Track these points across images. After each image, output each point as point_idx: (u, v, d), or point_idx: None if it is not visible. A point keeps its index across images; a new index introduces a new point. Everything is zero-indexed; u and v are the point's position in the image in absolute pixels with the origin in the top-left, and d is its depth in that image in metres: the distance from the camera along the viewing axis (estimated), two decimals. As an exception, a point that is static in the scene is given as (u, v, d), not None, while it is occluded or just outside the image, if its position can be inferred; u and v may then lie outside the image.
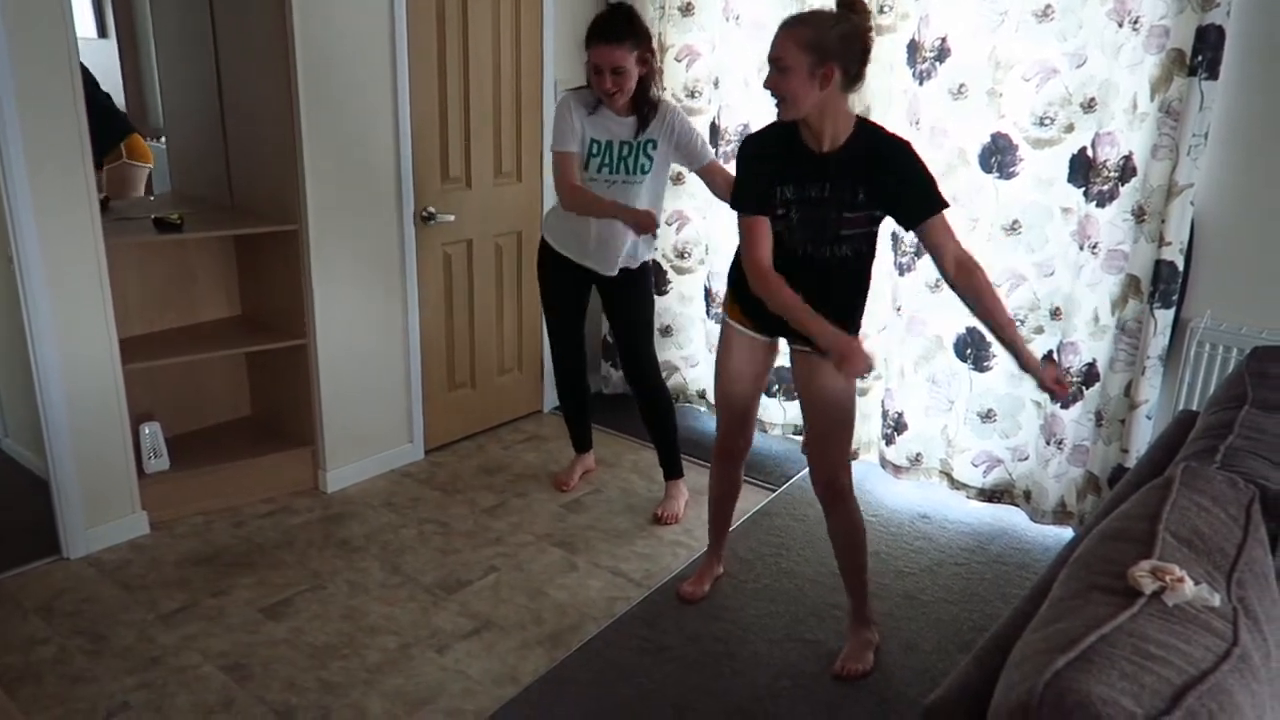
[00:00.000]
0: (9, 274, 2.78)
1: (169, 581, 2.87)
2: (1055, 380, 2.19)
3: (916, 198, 2.21)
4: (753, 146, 2.34)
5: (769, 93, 2.19)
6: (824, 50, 2.09)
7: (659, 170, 3.04)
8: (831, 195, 2.22)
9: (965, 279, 2.21)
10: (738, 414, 2.66)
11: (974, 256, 2.24)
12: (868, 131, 2.23)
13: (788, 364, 2.60)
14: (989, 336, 3.27)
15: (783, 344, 2.57)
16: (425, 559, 3.05)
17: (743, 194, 2.32)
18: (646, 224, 2.95)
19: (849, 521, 2.52)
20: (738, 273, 2.44)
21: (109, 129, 3.78)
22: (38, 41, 2.61)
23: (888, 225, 3.40)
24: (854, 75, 2.15)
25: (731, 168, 3.59)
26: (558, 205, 3.15)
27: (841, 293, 2.36)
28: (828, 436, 2.46)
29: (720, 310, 2.67)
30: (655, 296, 3.44)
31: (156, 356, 3.12)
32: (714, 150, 3.15)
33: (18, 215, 2.66)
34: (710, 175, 3.06)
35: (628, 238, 3.05)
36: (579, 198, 2.98)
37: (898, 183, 2.20)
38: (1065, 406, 3.13)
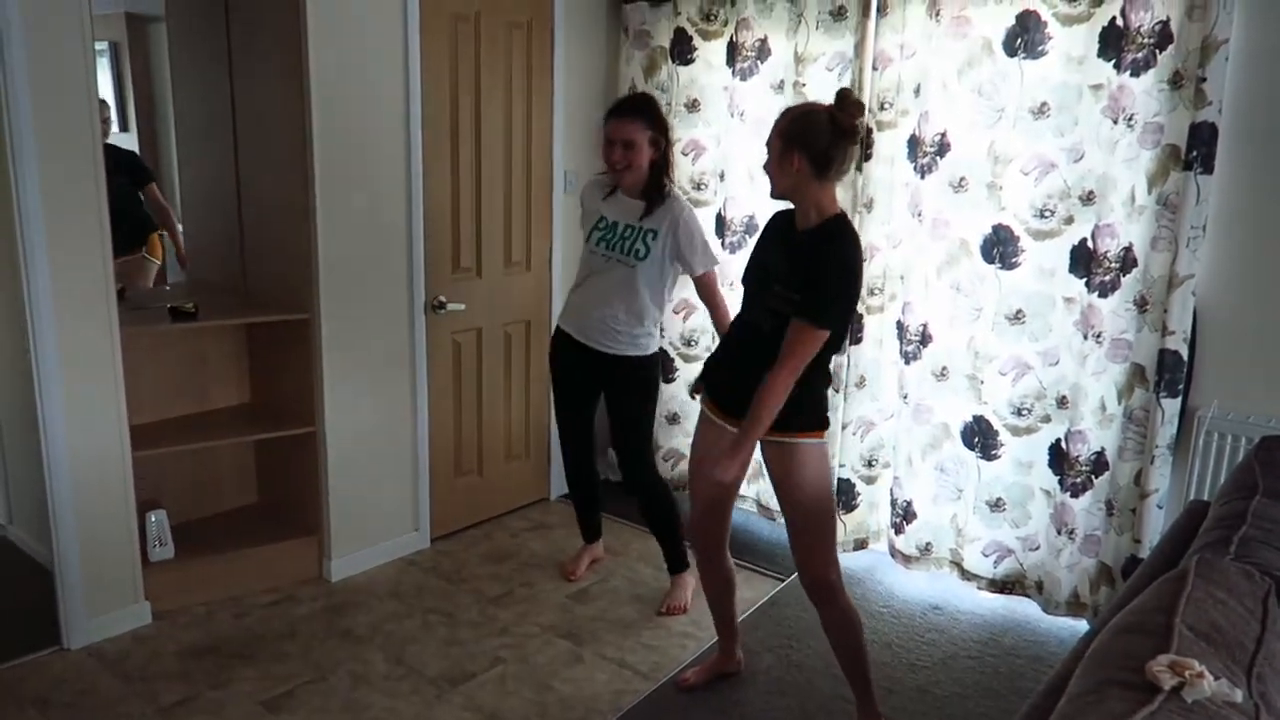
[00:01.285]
0: (25, 364, 2.81)
1: (170, 673, 2.82)
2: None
3: (800, 291, 2.27)
4: (770, 220, 2.54)
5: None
6: (790, 138, 2.28)
7: (658, 262, 3.05)
8: (778, 267, 2.36)
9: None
10: (708, 499, 2.64)
11: (771, 377, 2.28)
12: (829, 226, 2.32)
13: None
14: (996, 425, 3.29)
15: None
16: (430, 650, 3.00)
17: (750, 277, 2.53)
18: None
19: (842, 616, 2.49)
20: (711, 358, 2.62)
21: (139, 228, 3.89)
22: (65, 139, 2.69)
23: (893, 313, 3.44)
24: (823, 165, 2.26)
25: (733, 260, 3.67)
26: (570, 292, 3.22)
27: (757, 362, 2.34)
28: (808, 531, 2.45)
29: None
30: (661, 386, 3.42)
31: (166, 444, 3.14)
32: (714, 253, 3.15)
33: (38, 306, 2.71)
34: (702, 287, 3.11)
35: (616, 310, 3.06)
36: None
37: (801, 270, 2.29)
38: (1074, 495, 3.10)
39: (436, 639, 3.07)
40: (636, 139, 2.96)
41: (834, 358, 2.60)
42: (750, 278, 2.49)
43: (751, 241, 3.80)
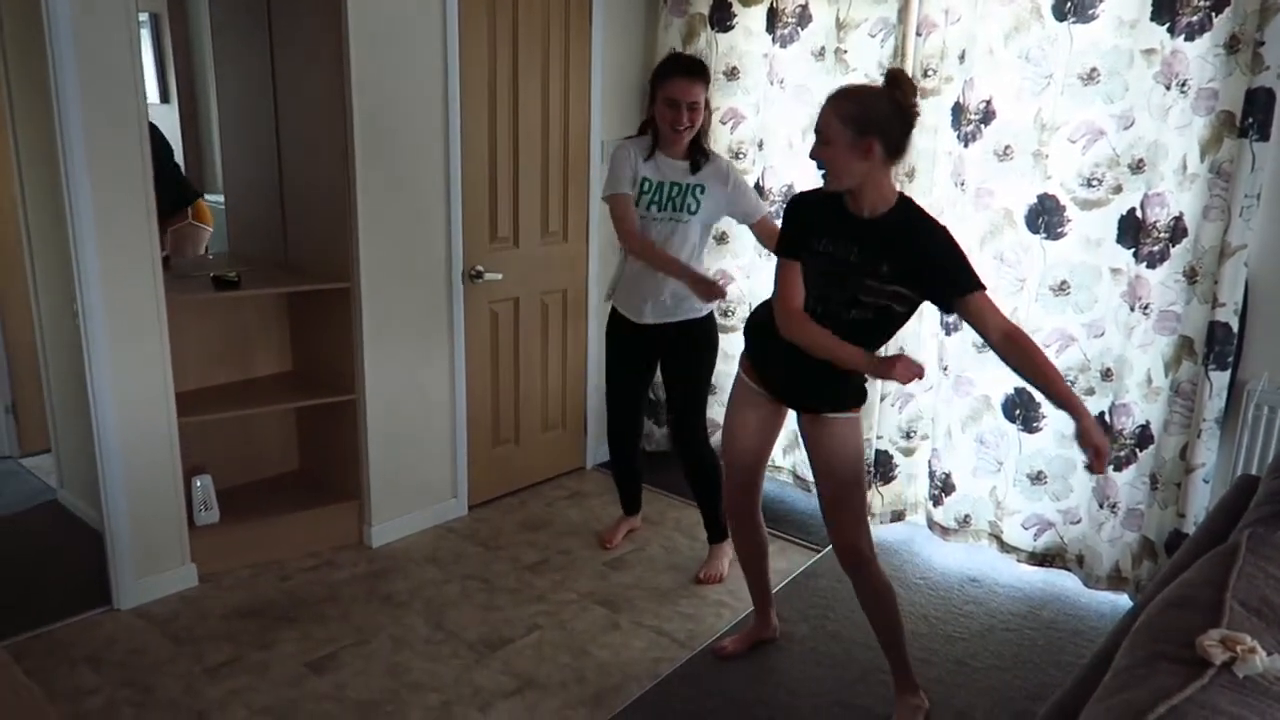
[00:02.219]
0: (74, 328, 2.87)
1: (216, 634, 2.89)
2: (1096, 454, 2.10)
3: (947, 280, 2.21)
4: (801, 200, 2.40)
5: (814, 163, 2.24)
6: (865, 125, 2.13)
7: (706, 217, 3.09)
8: (858, 261, 2.24)
9: (1013, 351, 2.17)
10: (742, 469, 2.66)
11: (1020, 328, 2.21)
12: (906, 208, 2.25)
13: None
14: (1039, 397, 3.24)
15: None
16: (468, 615, 3.04)
17: (783, 239, 2.39)
18: (709, 293, 3.01)
19: (875, 587, 2.49)
20: (752, 328, 2.55)
21: (179, 194, 3.92)
22: (110, 107, 2.72)
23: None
24: (895, 149, 2.18)
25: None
26: (621, 267, 3.20)
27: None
28: (841, 501, 2.45)
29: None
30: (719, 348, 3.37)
31: (210, 411, 3.19)
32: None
33: (85, 272, 2.75)
34: (762, 229, 3.16)
35: (666, 285, 3.08)
36: (645, 247, 3.05)
37: (926, 265, 2.20)
38: (1096, 472, 3.06)
39: (475, 605, 3.11)
40: (700, 100, 2.97)
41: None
42: (821, 275, 2.30)
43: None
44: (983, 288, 2.19)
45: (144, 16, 4.31)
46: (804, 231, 2.33)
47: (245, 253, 3.80)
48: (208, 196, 4.24)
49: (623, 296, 3.23)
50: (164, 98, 4.57)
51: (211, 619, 2.97)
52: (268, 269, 3.53)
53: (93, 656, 2.75)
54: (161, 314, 2.95)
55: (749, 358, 2.57)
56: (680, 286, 3.07)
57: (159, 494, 3.04)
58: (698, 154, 3.06)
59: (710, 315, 3.21)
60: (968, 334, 3.37)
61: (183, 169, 4.17)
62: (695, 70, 2.98)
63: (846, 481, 2.44)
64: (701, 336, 3.20)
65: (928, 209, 2.30)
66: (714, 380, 4.15)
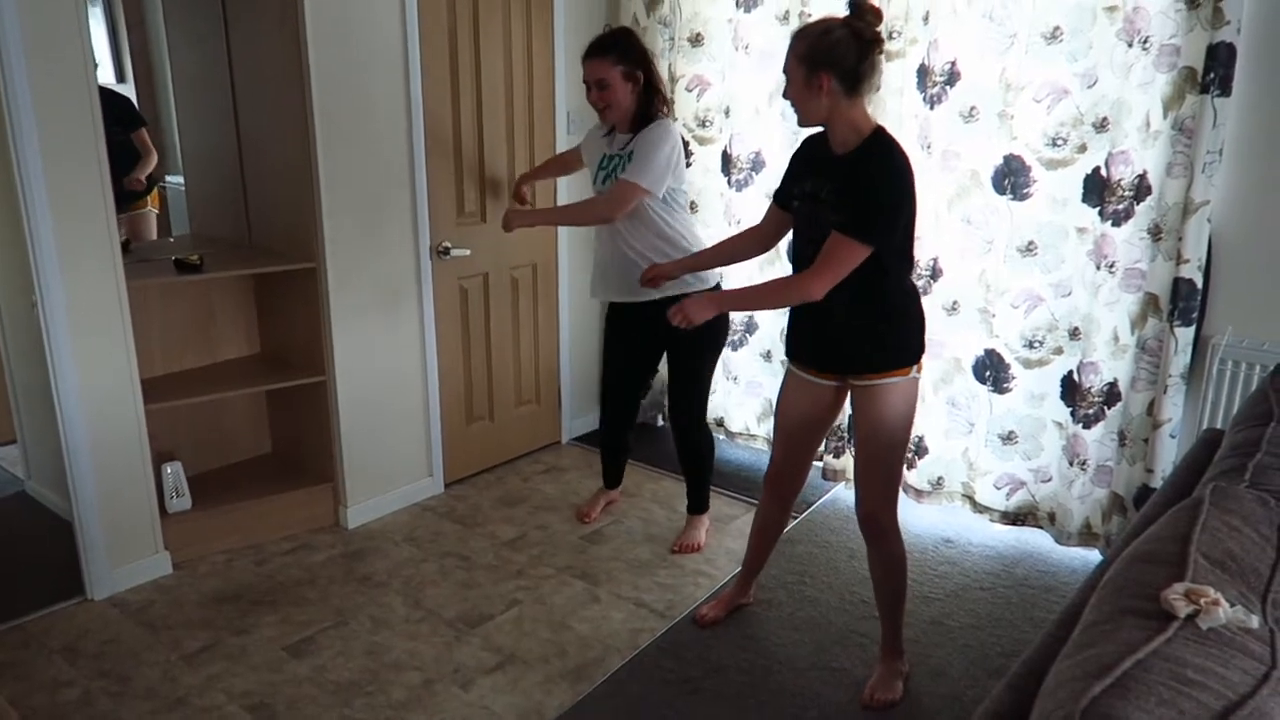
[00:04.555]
0: (32, 318, 2.82)
1: (192, 621, 2.87)
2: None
3: (845, 211, 2.18)
4: (803, 144, 2.45)
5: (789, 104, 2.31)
6: (815, 60, 2.15)
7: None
8: (826, 195, 2.26)
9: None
10: (787, 448, 2.62)
11: (804, 274, 2.25)
12: (874, 142, 2.22)
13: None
14: (1007, 359, 3.27)
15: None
16: (447, 593, 3.04)
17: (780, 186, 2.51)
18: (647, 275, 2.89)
19: (890, 556, 2.49)
20: (791, 316, 2.51)
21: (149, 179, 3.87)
22: (60, 88, 2.65)
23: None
24: (854, 81, 2.16)
25: (739, 198, 3.61)
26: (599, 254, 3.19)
27: (852, 300, 2.27)
28: (871, 468, 2.42)
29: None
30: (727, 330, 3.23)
31: (178, 396, 3.14)
32: (655, 178, 2.94)
33: (42, 259, 2.70)
34: (612, 191, 2.98)
35: (628, 243, 3.04)
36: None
37: (849, 188, 2.20)
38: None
39: (454, 582, 3.11)
40: (607, 77, 2.93)
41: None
42: (800, 215, 2.36)
43: (760, 178, 3.78)
44: (854, 237, 2.15)
45: (94, -6, 4.20)
46: (790, 178, 2.43)
47: (208, 234, 3.74)
48: (168, 178, 4.16)
49: (597, 278, 3.20)
50: (120, 77, 4.46)
51: (187, 606, 2.95)
52: (231, 251, 3.48)
53: (68, 648, 2.73)
54: (123, 300, 2.90)
55: (787, 339, 2.55)
56: (619, 254, 3.05)
57: (128, 482, 3.01)
58: (641, 125, 3.00)
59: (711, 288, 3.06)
60: (936, 298, 3.38)
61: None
62: (598, 50, 2.95)
63: (882, 449, 2.39)
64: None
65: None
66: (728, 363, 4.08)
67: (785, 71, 2.24)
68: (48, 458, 3.43)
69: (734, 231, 3.82)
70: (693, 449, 3.28)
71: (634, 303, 3.09)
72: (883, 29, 2.21)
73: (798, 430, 2.58)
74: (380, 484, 3.56)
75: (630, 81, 2.95)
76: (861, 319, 2.31)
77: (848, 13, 2.17)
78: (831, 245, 2.18)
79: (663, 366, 3.33)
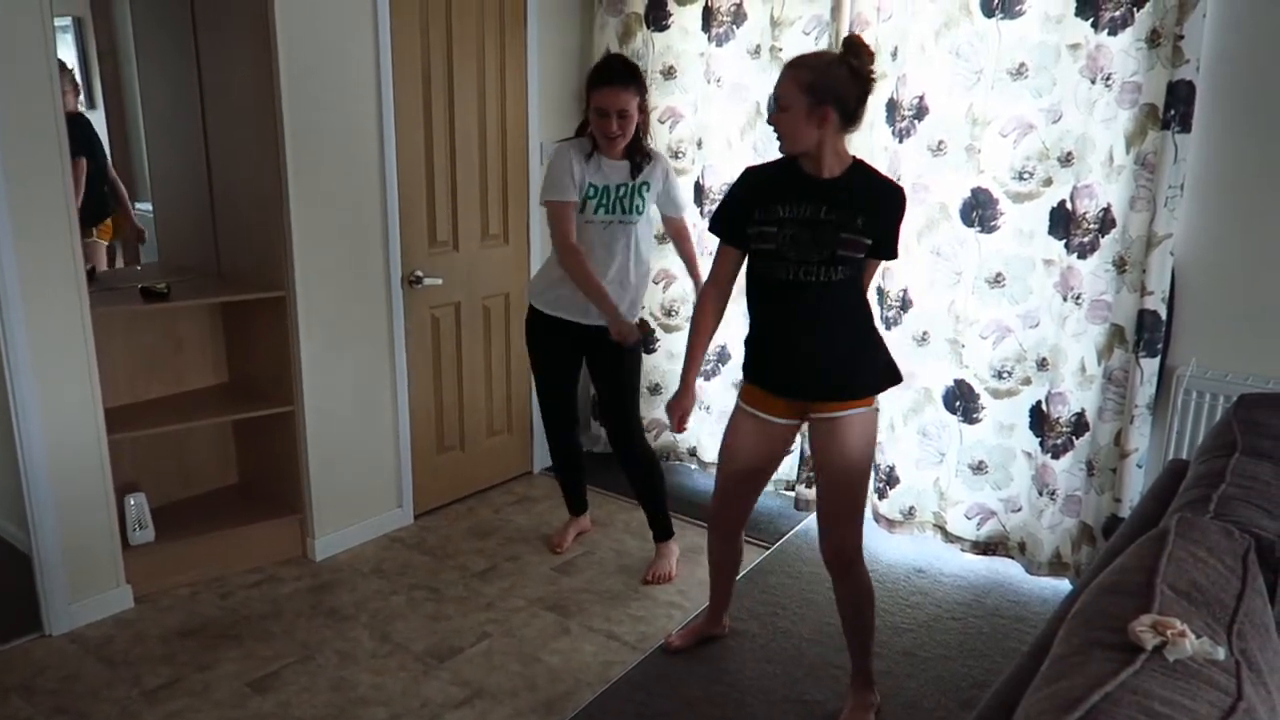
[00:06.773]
0: (-6, 346, 2.76)
1: (154, 657, 2.81)
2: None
3: (885, 243, 2.36)
4: (753, 171, 2.43)
5: (772, 129, 2.32)
6: (821, 93, 2.18)
7: (649, 216, 3.12)
8: (829, 217, 2.26)
9: None
10: (731, 489, 2.60)
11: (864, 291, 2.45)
12: (866, 170, 2.34)
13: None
14: (977, 389, 3.29)
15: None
16: (416, 626, 3.00)
17: (718, 215, 2.46)
18: (625, 335, 3.03)
19: (859, 587, 2.48)
20: (751, 342, 2.48)
21: (100, 207, 3.81)
22: (26, 114, 2.63)
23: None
24: (851, 116, 2.24)
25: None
26: (544, 269, 3.17)
27: (843, 324, 2.34)
28: (841, 500, 2.42)
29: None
30: (644, 355, 3.44)
31: (142, 426, 3.09)
32: (696, 210, 3.21)
33: (4, 287, 2.65)
34: (674, 228, 3.24)
35: (629, 272, 3.09)
36: (578, 264, 2.99)
37: (883, 222, 2.32)
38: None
39: (422, 615, 3.06)
40: (630, 109, 2.93)
41: None
42: (792, 240, 2.28)
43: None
44: (895, 258, 2.46)
45: (66, 20, 4.18)
46: (752, 205, 2.33)
47: (177, 263, 3.70)
48: (137, 205, 4.12)
49: (548, 298, 3.14)
50: (90, 104, 4.43)
51: (149, 641, 2.89)
52: (200, 279, 3.44)
53: (24, 685, 2.65)
54: (87, 327, 2.85)
55: (749, 378, 2.49)
56: (623, 280, 3.08)
57: (89, 514, 2.95)
58: (637, 154, 3.03)
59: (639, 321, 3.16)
60: (908, 327, 3.41)
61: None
62: (622, 78, 2.92)
63: (848, 484, 2.39)
64: (621, 346, 3.13)
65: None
66: (659, 381, 4.17)
67: (778, 98, 2.25)
68: (6, 488, 3.35)
69: (705, 262, 3.84)
70: (642, 466, 3.26)
71: (589, 324, 3.11)
72: (874, 70, 2.26)
73: (748, 475, 2.56)
74: (349, 515, 3.52)
75: (640, 113, 2.98)
76: (847, 342, 2.36)
77: (844, 50, 2.23)
78: (873, 269, 2.47)
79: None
